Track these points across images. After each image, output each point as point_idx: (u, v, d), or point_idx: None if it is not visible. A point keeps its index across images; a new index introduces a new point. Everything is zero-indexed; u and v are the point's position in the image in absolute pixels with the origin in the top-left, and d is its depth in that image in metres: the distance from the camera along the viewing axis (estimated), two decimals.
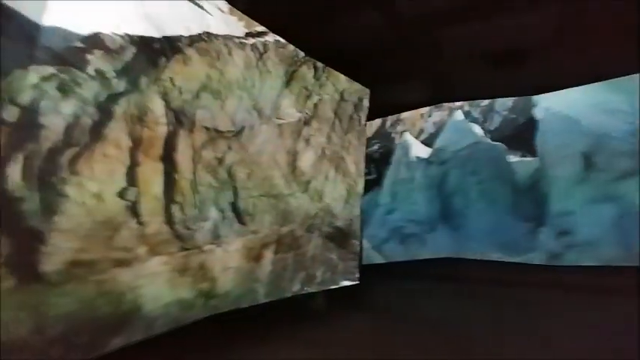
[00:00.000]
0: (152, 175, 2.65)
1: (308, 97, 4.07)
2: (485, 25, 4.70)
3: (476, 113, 10.52)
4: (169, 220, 2.76)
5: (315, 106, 4.13)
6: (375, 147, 9.86)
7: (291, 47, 3.87)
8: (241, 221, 3.32)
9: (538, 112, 9.97)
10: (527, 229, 8.71)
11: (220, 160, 3.02)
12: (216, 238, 3.13)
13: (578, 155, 8.56)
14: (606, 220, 7.60)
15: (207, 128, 2.95)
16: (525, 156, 10.33)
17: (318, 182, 4.21)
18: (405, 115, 9.72)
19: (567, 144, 8.79)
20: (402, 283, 6.27)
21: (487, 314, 4.76)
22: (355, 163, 4.67)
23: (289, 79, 3.81)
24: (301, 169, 4.10)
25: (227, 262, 3.29)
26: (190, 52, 2.87)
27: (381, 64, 5.26)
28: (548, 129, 9.43)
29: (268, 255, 3.73)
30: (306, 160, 4.11)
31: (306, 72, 4.04)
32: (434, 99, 7.20)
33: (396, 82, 6.01)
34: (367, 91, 4.89)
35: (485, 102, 10.16)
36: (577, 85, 6.79)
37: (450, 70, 6.05)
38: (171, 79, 2.74)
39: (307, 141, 4.08)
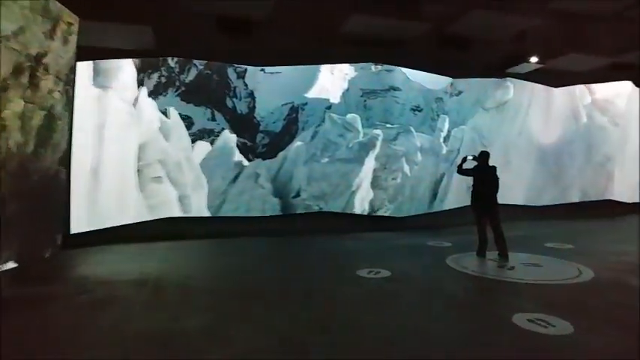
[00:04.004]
0: None
1: None
2: None
3: None
4: None
5: None
6: None
7: None
8: None
9: None
10: None
11: None
12: None
13: None
14: None
15: None
16: None
17: None
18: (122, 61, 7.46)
19: None
20: (115, 248, 5.84)
21: (204, 264, 5.32)
22: (53, 82, 3.12)
23: None
24: None
25: None
26: None
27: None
28: None
29: None
30: None
31: None
32: (156, 51, 6.36)
33: (115, 23, 5.27)
34: None
35: None
36: (291, 65, 7.31)
37: (176, 24, 5.63)
38: None
39: None
